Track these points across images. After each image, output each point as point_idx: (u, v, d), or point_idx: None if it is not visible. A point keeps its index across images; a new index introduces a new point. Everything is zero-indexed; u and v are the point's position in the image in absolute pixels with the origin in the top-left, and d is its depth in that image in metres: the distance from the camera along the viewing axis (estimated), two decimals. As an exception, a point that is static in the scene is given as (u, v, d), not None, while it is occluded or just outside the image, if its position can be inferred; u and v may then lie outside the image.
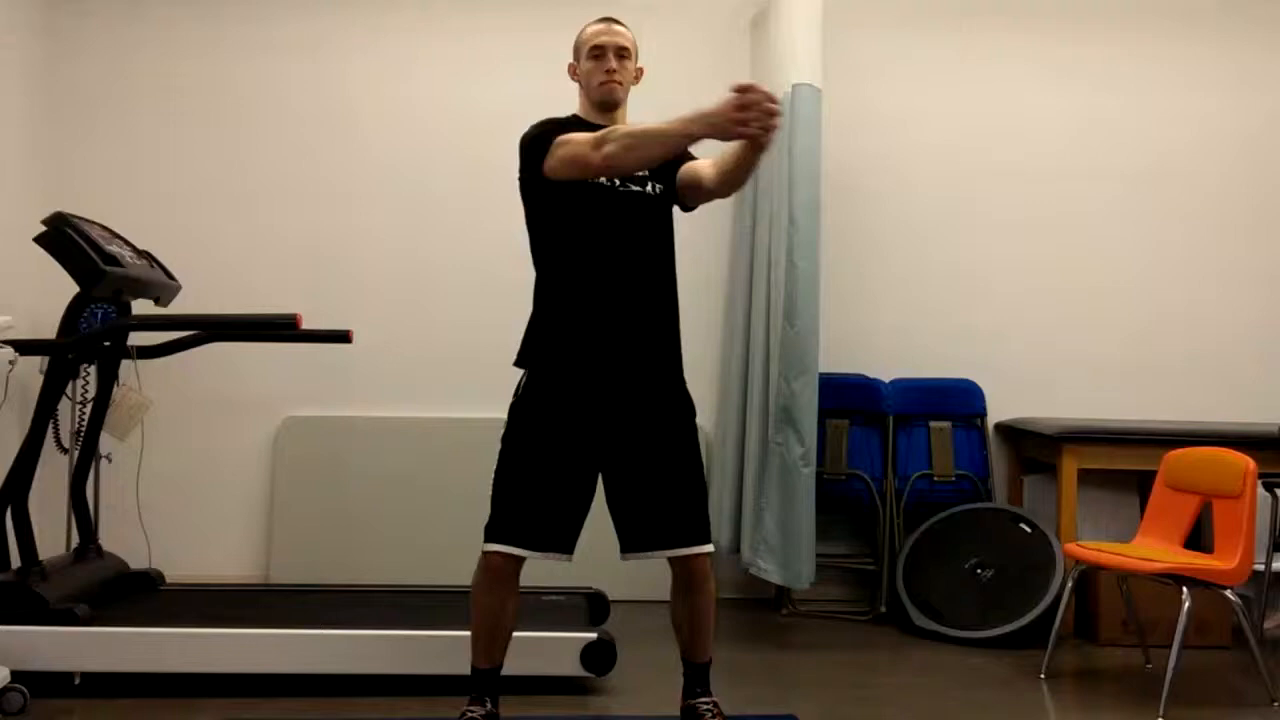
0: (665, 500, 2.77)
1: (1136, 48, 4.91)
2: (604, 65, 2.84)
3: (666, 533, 2.77)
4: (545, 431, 2.77)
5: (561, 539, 2.76)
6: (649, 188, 2.83)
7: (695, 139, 2.55)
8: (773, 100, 2.44)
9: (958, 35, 4.89)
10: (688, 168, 2.86)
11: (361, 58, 4.79)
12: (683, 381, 2.89)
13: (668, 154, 2.66)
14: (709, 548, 2.81)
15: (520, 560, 2.74)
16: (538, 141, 2.76)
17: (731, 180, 2.78)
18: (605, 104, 2.86)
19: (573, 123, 2.86)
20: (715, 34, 4.85)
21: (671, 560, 2.79)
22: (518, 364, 2.85)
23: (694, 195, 2.89)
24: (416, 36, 4.80)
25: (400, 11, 4.80)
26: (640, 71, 2.95)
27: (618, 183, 2.78)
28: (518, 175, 2.84)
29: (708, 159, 2.84)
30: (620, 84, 2.85)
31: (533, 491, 2.74)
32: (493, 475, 2.80)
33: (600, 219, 2.78)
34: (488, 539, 2.75)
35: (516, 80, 4.75)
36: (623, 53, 2.86)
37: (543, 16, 4.77)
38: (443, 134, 4.78)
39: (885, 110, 4.87)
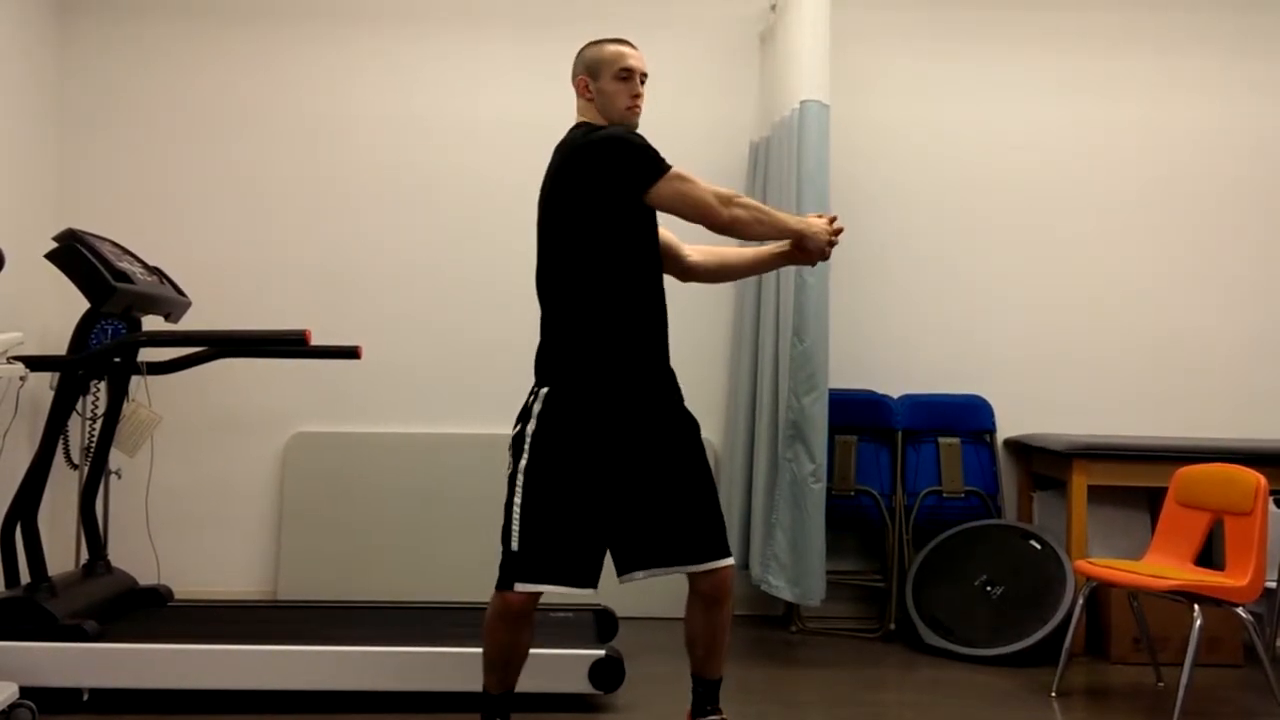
0: (689, 516, 2.72)
1: (1143, 61, 4.92)
2: (631, 89, 2.79)
3: (692, 547, 2.71)
4: (575, 466, 2.67)
5: (590, 573, 2.67)
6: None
7: (788, 238, 2.85)
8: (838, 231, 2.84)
9: (965, 50, 4.90)
10: (663, 231, 2.90)
11: (368, 73, 4.81)
12: (681, 399, 2.88)
13: (768, 239, 2.85)
14: (731, 561, 2.77)
15: (540, 595, 2.68)
16: (650, 160, 2.69)
17: (736, 273, 3.08)
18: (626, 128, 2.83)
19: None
20: (725, 49, 4.86)
21: (694, 576, 2.74)
22: (540, 381, 2.74)
23: (666, 262, 2.97)
24: (423, 51, 4.83)
25: (407, 26, 4.83)
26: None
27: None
28: (569, 179, 2.70)
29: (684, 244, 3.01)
30: (640, 110, 2.83)
31: (564, 529, 2.64)
32: (511, 507, 2.67)
33: (645, 243, 2.76)
34: (517, 578, 2.63)
35: (523, 95, 4.78)
36: (644, 78, 2.84)
37: (549, 31, 4.80)
38: (450, 150, 4.80)
39: (893, 126, 4.88)
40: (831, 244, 2.81)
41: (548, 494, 2.65)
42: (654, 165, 2.68)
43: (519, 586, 2.63)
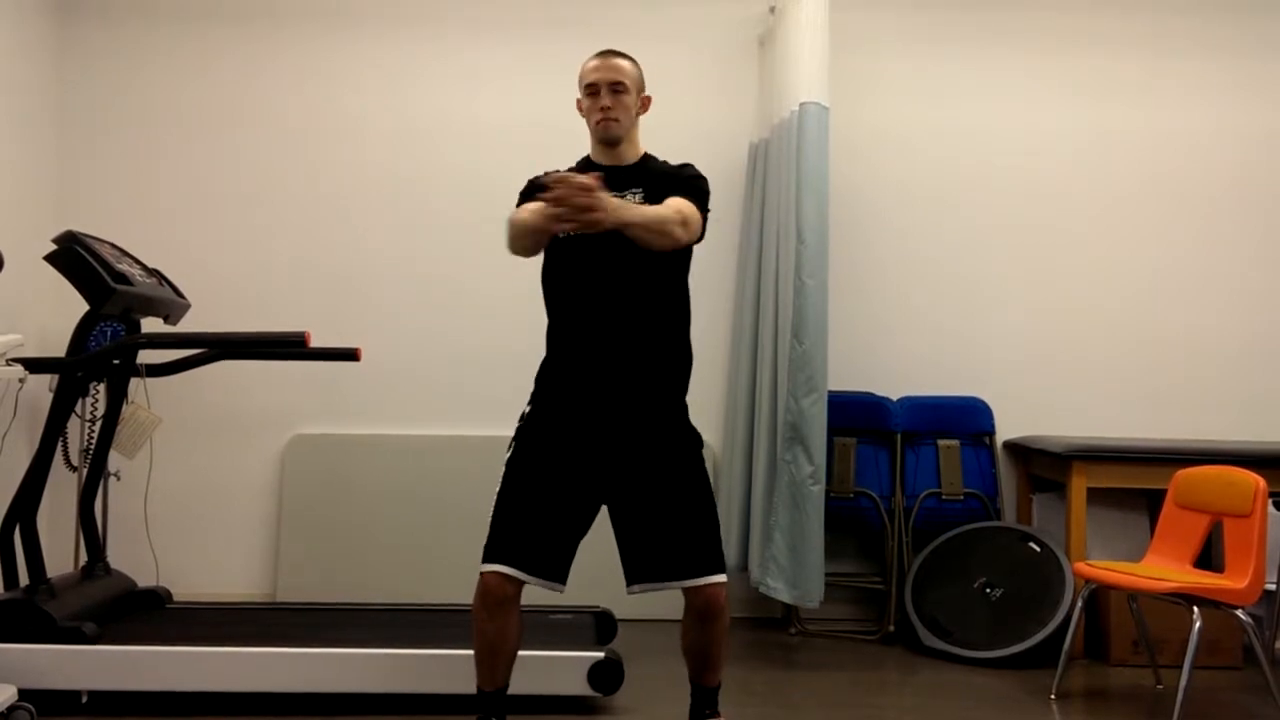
0: (676, 531, 2.74)
1: (1141, 63, 4.92)
2: (598, 103, 2.80)
3: (679, 563, 2.74)
4: (547, 459, 2.77)
5: (555, 567, 2.74)
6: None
7: (544, 231, 2.64)
8: (587, 189, 2.43)
9: (964, 52, 4.90)
10: None
11: (367, 75, 4.81)
12: (685, 413, 2.86)
13: (534, 243, 2.70)
14: (722, 577, 2.77)
15: (518, 584, 2.72)
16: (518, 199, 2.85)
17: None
18: (603, 141, 2.85)
19: (541, 182, 2.77)
20: (724, 51, 4.86)
21: (686, 591, 2.76)
22: (530, 398, 2.89)
23: None
24: (423, 54, 4.83)
25: (406, 29, 4.83)
26: (647, 100, 2.91)
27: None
28: None
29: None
30: (616, 120, 2.80)
31: (531, 516, 2.73)
32: (495, 496, 2.80)
33: (578, 261, 2.78)
34: (485, 559, 2.74)
35: (522, 97, 4.79)
36: (618, 87, 2.80)
37: (547, 34, 4.81)
38: (450, 152, 4.80)
39: (892, 128, 4.88)
40: (559, 217, 2.48)
41: (517, 485, 2.78)
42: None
43: (483, 567, 2.74)
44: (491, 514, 2.78)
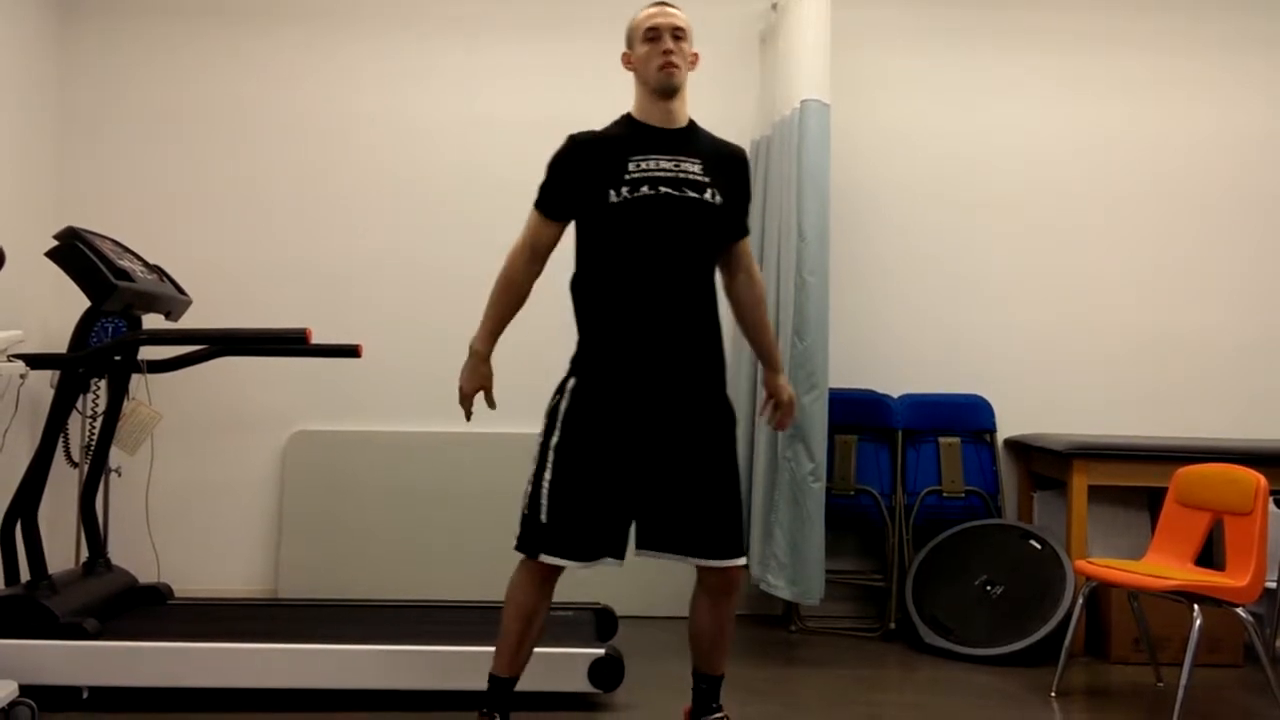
0: (708, 510, 2.71)
1: (1143, 62, 4.91)
2: (660, 46, 2.69)
3: (706, 542, 2.71)
4: (601, 442, 2.68)
5: (615, 545, 2.70)
6: (708, 195, 2.72)
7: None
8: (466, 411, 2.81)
9: (966, 50, 4.90)
10: (734, 246, 2.90)
11: (369, 73, 4.81)
12: (725, 389, 2.83)
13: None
14: (744, 560, 2.77)
15: (562, 569, 2.69)
16: (539, 189, 2.83)
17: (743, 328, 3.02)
18: (664, 89, 2.72)
19: (596, 139, 2.75)
20: (726, 48, 4.86)
21: (705, 570, 2.75)
22: (570, 370, 2.78)
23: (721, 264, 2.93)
24: (423, 51, 4.82)
25: (407, 28, 4.82)
26: (696, 57, 2.81)
27: (674, 190, 2.67)
28: None
29: (743, 265, 2.94)
30: (678, 67, 2.70)
31: (590, 502, 2.66)
32: (540, 480, 2.70)
33: (640, 232, 2.68)
34: (538, 548, 2.66)
35: (522, 96, 4.79)
36: (679, 33, 2.72)
37: (547, 34, 4.80)
38: (452, 148, 4.80)
39: (894, 126, 4.88)
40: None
41: (577, 476, 2.67)
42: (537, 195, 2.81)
43: (544, 558, 2.66)
44: (546, 502, 2.67)
